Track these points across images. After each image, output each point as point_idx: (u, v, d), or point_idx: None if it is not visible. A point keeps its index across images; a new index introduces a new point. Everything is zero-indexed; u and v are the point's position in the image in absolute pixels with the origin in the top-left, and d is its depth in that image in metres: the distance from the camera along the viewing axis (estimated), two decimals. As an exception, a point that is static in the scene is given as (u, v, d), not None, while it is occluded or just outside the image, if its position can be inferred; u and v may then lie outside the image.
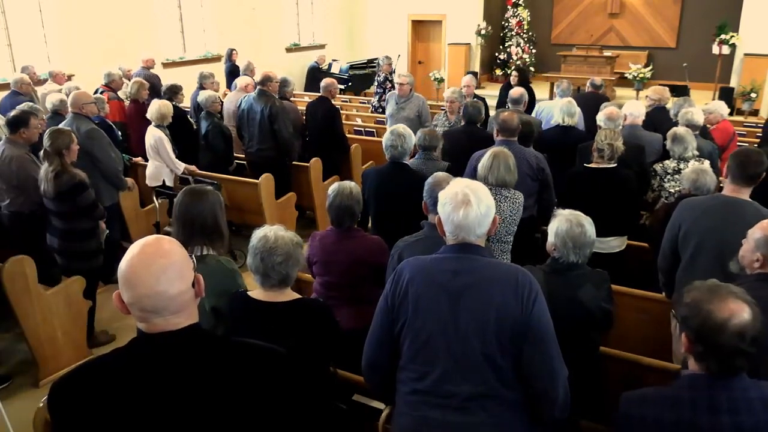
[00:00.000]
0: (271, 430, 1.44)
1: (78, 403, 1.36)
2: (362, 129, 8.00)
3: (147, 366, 1.37)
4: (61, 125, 4.54)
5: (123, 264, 1.37)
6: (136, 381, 1.36)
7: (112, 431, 1.34)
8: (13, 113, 4.49)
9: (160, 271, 1.35)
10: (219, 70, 10.04)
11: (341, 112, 7.06)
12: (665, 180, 4.30)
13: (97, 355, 1.56)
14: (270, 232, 2.34)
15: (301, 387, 1.58)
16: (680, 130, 4.34)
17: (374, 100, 9.11)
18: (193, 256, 1.55)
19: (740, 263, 2.51)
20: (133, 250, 1.39)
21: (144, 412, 1.34)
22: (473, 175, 3.51)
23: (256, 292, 2.37)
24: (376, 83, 9.30)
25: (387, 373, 2.02)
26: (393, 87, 8.80)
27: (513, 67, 7.75)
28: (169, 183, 5.66)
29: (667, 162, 4.35)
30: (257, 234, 2.36)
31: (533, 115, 6.14)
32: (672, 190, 4.23)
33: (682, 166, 4.19)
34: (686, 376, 1.72)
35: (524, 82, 7.49)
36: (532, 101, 6.83)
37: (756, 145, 6.27)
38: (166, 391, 1.35)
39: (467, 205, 1.92)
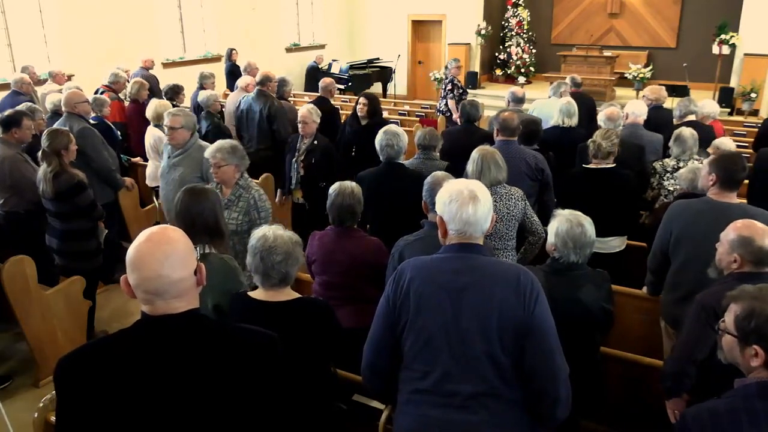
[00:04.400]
0: (262, 410, 1.52)
1: (82, 378, 1.46)
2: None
3: (147, 345, 1.48)
4: (55, 125, 4.55)
5: (131, 249, 1.48)
6: (137, 359, 1.46)
7: (112, 404, 1.44)
8: (5, 113, 4.49)
9: (164, 256, 1.45)
10: (219, 70, 10.05)
11: (341, 112, 7.05)
12: (664, 178, 4.30)
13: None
14: (269, 231, 2.35)
15: (292, 370, 1.66)
16: (686, 131, 4.28)
17: (440, 104, 8.55)
18: (197, 250, 1.62)
19: (718, 267, 2.53)
20: (141, 237, 1.50)
21: (142, 388, 1.45)
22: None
23: (257, 292, 2.38)
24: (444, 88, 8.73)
25: (387, 375, 2.02)
26: (464, 92, 8.20)
27: (360, 95, 5.75)
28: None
29: (666, 160, 4.35)
30: (256, 234, 2.37)
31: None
32: (671, 188, 4.22)
33: (681, 165, 4.19)
34: (753, 384, 1.68)
35: (374, 113, 5.55)
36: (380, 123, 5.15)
37: (753, 142, 6.30)
38: (164, 368, 1.46)
39: (475, 200, 1.93)
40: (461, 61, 13.63)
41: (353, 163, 5.18)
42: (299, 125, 4.86)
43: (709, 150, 4.47)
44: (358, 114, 5.50)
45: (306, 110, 4.84)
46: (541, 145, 4.88)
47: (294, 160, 4.91)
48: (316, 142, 4.84)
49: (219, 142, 3.52)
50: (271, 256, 2.28)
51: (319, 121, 4.87)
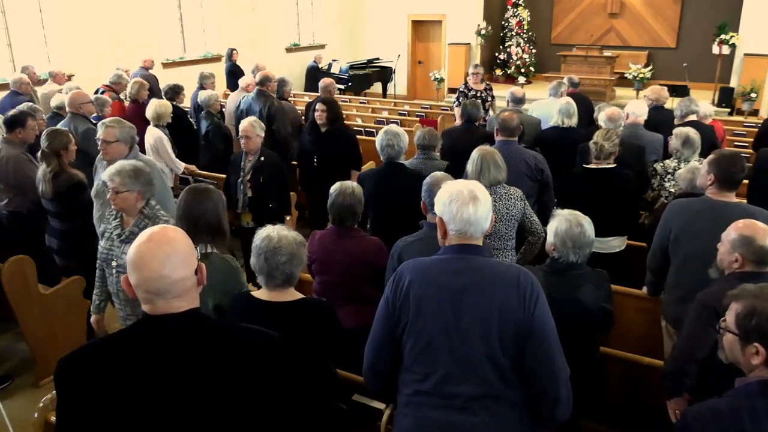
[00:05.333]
0: (263, 410, 1.53)
1: (82, 378, 1.46)
2: (362, 129, 8.00)
3: (148, 344, 1.48)
4: (58, 125, 4.55)
5: (132, 249, 1.49)
6: (137, 359, 1.46)
7: (113, 404, 1.44)
8: (10, 113, 4.50)
9: (164, 256, 1.46)
10: (219, 70, 10.05)
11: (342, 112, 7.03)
12: (665, 179, 4.30)
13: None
14: (273, 232, 2.34)
15: (293, 369, 1.66)
16: (691, 132, 4.24)
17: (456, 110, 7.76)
18: (198, 249, 1.61)
19: (719, 267, 2.53)
20: (141, 237, 1.50)
21: (143, 388, 1.45)
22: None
23: (260, 292, 2.37)
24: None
25: (389, 376, 2.02)
26: (474, 97, 6.90)
27: (317, 101, 5.36)
28: (169, 183, 5.65)
29: (667, 162, 4.34)
30: (260, 234, 2.36)
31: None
32: (672, 190, 4.22)
33: (682, 165, 4.18)
34: (754, 383, 1.69)
35: (334, 118, 5.10)
36: (354, 151, 5.14)
37: (753, 142, 6.30)
38: (165, 368, 1.46)
39: (475, 200, 1.93)
40: (461, 61, 13.73)
41: (317, 173, 4.99)
42: (241, 141, 4.33)
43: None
44: (317, 121, 5.02)
45: (248, 123, 4.30)
46: (539, 145, 4.88)
47: (240, 180, 4.45)
48: (262, 158, 4.40)
49: (119, 164, 3.00)
50: (275, 256, 2.27)
51: (263, 134, 4.40)
